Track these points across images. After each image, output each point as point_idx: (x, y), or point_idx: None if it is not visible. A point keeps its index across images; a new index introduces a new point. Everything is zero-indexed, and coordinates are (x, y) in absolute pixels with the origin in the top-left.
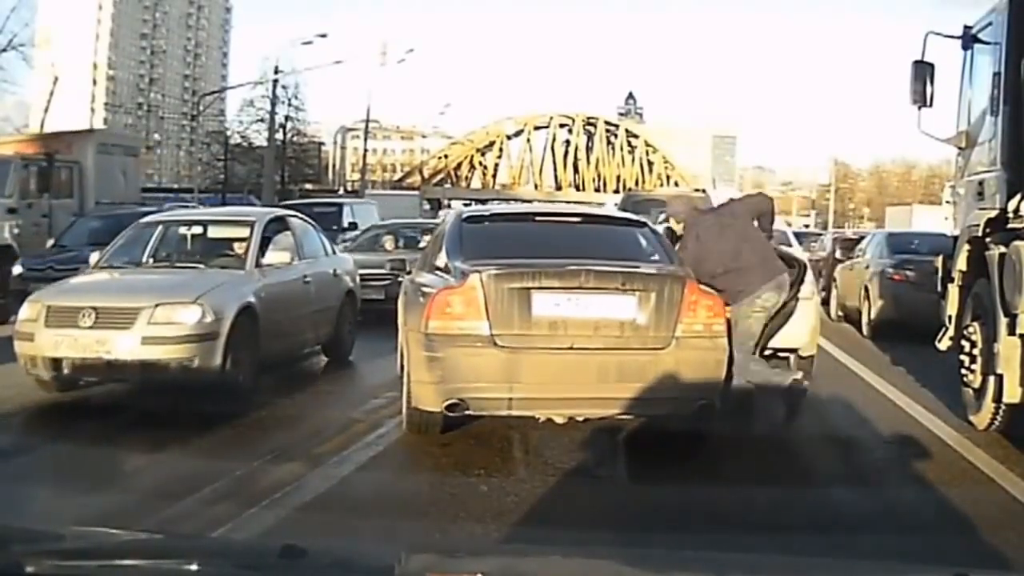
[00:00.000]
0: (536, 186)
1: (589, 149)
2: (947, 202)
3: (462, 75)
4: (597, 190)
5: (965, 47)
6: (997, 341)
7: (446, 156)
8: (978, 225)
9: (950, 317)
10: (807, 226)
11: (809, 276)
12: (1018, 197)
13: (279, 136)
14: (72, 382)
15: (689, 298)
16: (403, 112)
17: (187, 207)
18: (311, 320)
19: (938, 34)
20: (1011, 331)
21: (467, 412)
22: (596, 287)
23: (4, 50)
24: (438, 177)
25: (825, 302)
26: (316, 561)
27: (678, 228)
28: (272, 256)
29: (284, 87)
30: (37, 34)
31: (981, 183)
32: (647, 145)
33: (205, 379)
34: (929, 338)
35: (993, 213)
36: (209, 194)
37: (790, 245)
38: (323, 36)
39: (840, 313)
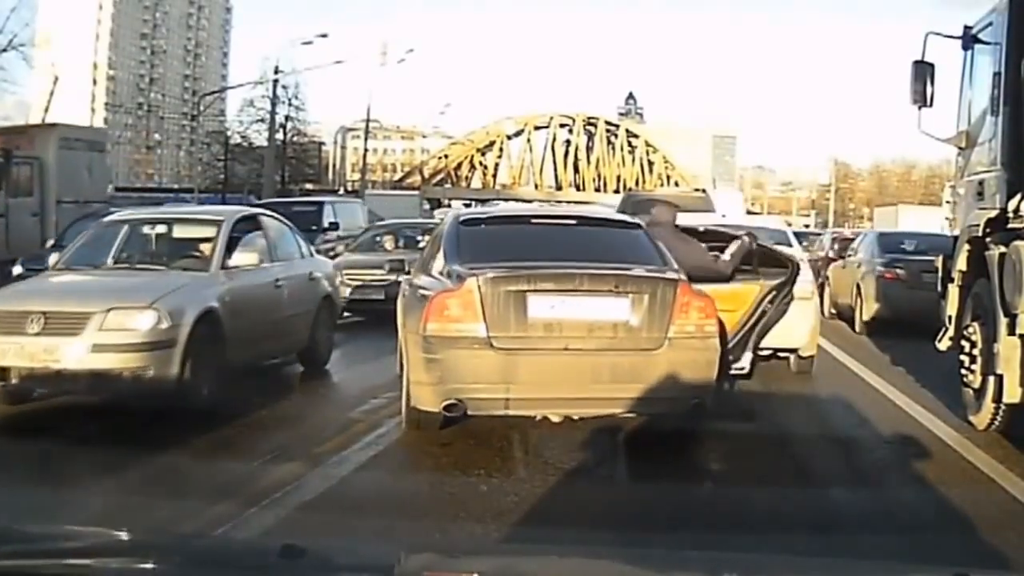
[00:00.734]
0: (536, 186)
1: (589, 149)
2: (947, 202)
3: (462, 75)
4: (597, 190)
5: (965, 47)
6: (997, 341)
7: (446, 156)
8: (978, 225)
9: (950, 317)
10: (807, 226)
11: (809, 276)
12: (1018, 197)
13: (279, 136)
14: (24, 393)
15: (681, 300)
16: (403, 112)
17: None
18: (283, 326)
19: (938, 34)
20: (1011, 331)
21: (465, 413)
22: (590, 289)
23: (4, 50)
24: (438, 177)
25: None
26: (316, 561)
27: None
28: (240, 257)
29: (284, 87)
30: (37, 34)
31: (981, 183)
32: (647, 145)
33: (161, 390)
34: (920, 334)
35: (993, 213)
36: (209, 194)
37: (790, 245)
38: (323, 36)
39: (833, 311)
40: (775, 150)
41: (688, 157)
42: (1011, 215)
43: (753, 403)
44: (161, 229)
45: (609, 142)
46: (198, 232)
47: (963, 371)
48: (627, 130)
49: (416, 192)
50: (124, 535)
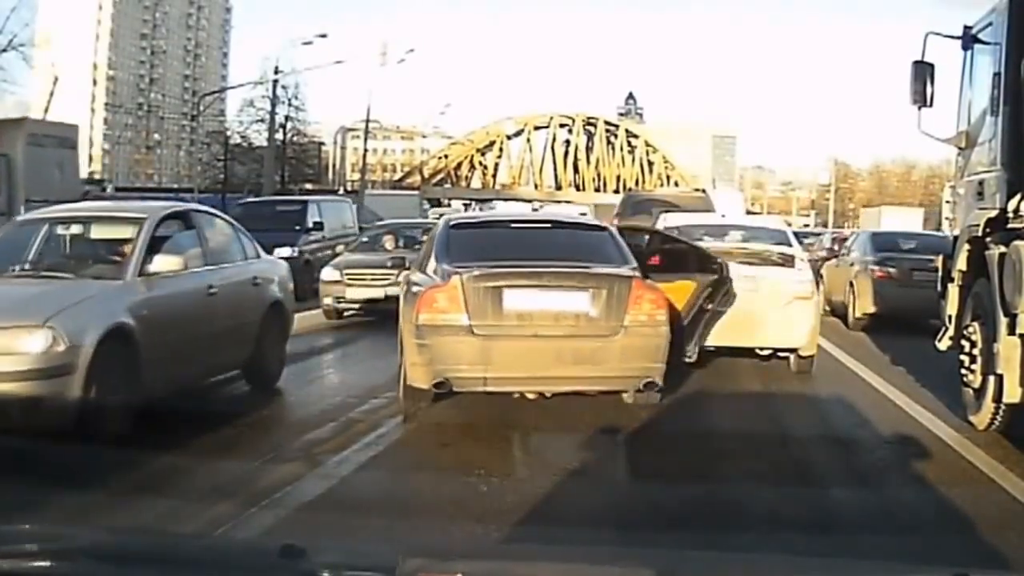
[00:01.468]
0: (536, 186)
1: (589, 149)
2: (947, 202)
3: (462, 75)
4: (597, 190)
5: (965, 47)
6: (997, 341)
7: (446, 156)
8: (978, 225)
9: (950, 317)
10: (807, 226)
11: (809, 276)
12: (1018, 197)
13: (279, 136)
14: None
15: (635, 293)
16: (403, 112)
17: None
18: (218, 340)
19: (938, 34)
20: (1011, 331)
21: (451, 389)
22: (556, 285)
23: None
24: (438, 177)
25: None
26: (316, 561)
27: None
28: (162, 262)
29: (284, 87)
30: (37, 34)
31: (981, 183)
32: (647, 145)
33: (57, 423)
34: (918, 333)
35: (993, 213)
36: (209, 194)
37: (790, 245)
38: (323, 36)
39: (827, 307)
40: (775, 150)
41: (688, 157)
42: (1011, 215)
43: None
44: (76, 229)
45: (609, 142)
46: (116, 232)
47: (963, 371)
48: (627, 130)
49: (416, 192)
50: (124, 535)
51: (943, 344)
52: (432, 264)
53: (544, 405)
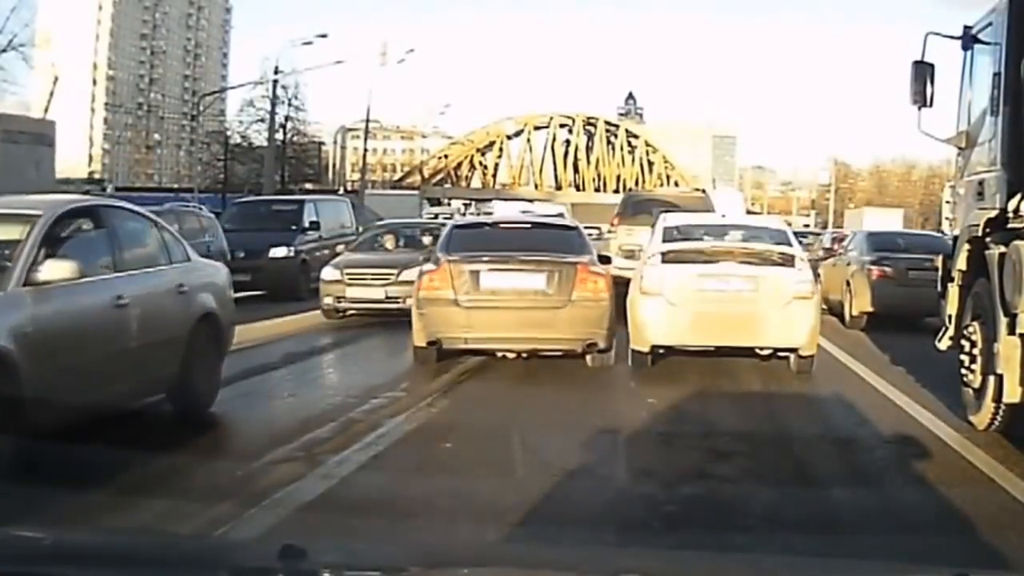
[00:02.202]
0: (536, 186)
1: (589, 149)
2: (947, 202)
3: (462, 75)
4: (597, 190)
5: (965, 47)
6: (997, 341)
7: (446, 156)
8: (978, 225)
9: (950, 317)
10: (807, 226)
11: (809, 275)
12: (1018, 197)
13: (279, 136)
14: None
15: (580, 276)
16: (403, 112)
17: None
18: (131, 362)
19: (938, 34)
20: (1011, 331)
21: (440, 346)
22: (519, 269)
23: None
24: (438, 177)
25: None
26: (316, 561)
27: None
28: (54, 269)
29: (284, 87)
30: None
31: (981, 183)
32: (647, 145)
33: None
34: (916, 332)
35: (993, 213)
36: (209, 194)
37: (790, 244)
38: (323, 36)
39: (824, 306)
40: (775, 150)
41: (688, 157)
42: (1011, 215)
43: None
44: None
45: (609, 142)
46: (6, 233)
47: (963, 371)
48: (627, 130)
49: (416, 192)
50: (124, 536)
51: (943, 344)
52: (435, 253)
53: (544, 405)
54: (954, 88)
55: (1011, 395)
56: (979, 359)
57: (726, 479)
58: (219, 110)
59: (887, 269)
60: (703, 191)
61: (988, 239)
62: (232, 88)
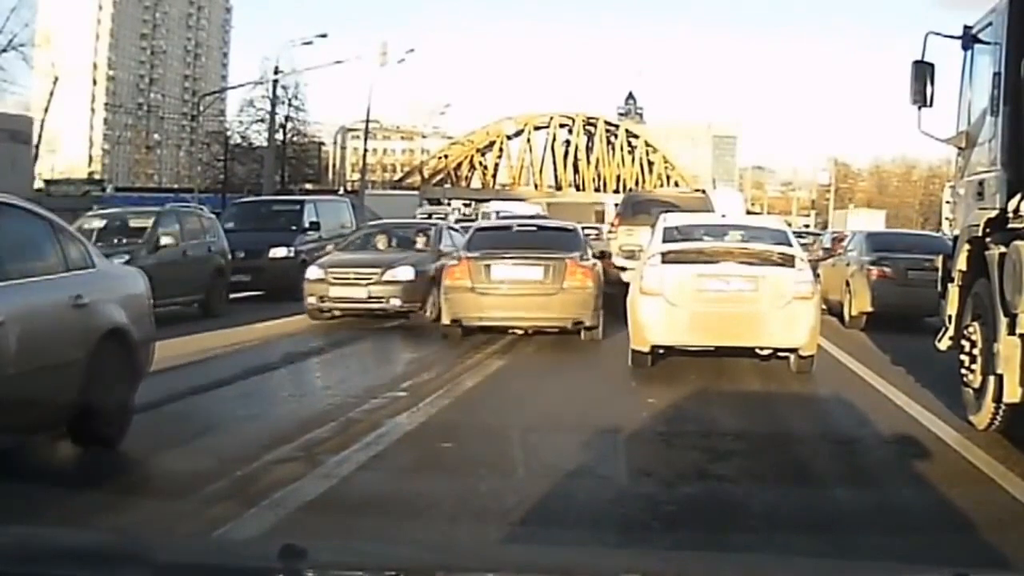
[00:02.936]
0: (536, 186)
1: (589, 149)
2: (947, 202)
3: (462, 75)
4: (597, 190)
5: (965, 47)
6: (997, 341)
7: (446, 156)
8: (978, 225)
9: (950, 317)
10: (807, 226)
11: (809, 276)
12: (1018, 197)
13: (279, 136)
14: None
15: (569, 269)
16: (403, 112)
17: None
18: (12, 390)
19: (938, 34)
20: (1011, 331)
21: (461, 325)
22: (522, 263)
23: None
24: (438, 177)
25: None
26: (316, 561)
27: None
28: None
29: (284, 87)
30: (37, 34)
31: (981, 183)
32: (647, 145)
33: None
34: (916, 332)
35: (993, 213)
36: (209, 194)
37: (790, 245)
38: (323, 36)
39: (823, 306)
40: (775, 150)
41: (688, 157)
42: (1011, 215)
43: None
44: None
45: (609, 142)
46: None
47: (963, 371)
48: (627, 130)
49: (416, 192)
50: (124, 536)
51: (943, 344)
52: (459, 250)
53: (544, 405)
54: (954, 88)
55: (1011, 395)
56: (979, 359)
57: (726, 479)
58: (219, 110)
59: (887, 269)
60: (703, 191)
61: (988, 239)
62: (232, 88)
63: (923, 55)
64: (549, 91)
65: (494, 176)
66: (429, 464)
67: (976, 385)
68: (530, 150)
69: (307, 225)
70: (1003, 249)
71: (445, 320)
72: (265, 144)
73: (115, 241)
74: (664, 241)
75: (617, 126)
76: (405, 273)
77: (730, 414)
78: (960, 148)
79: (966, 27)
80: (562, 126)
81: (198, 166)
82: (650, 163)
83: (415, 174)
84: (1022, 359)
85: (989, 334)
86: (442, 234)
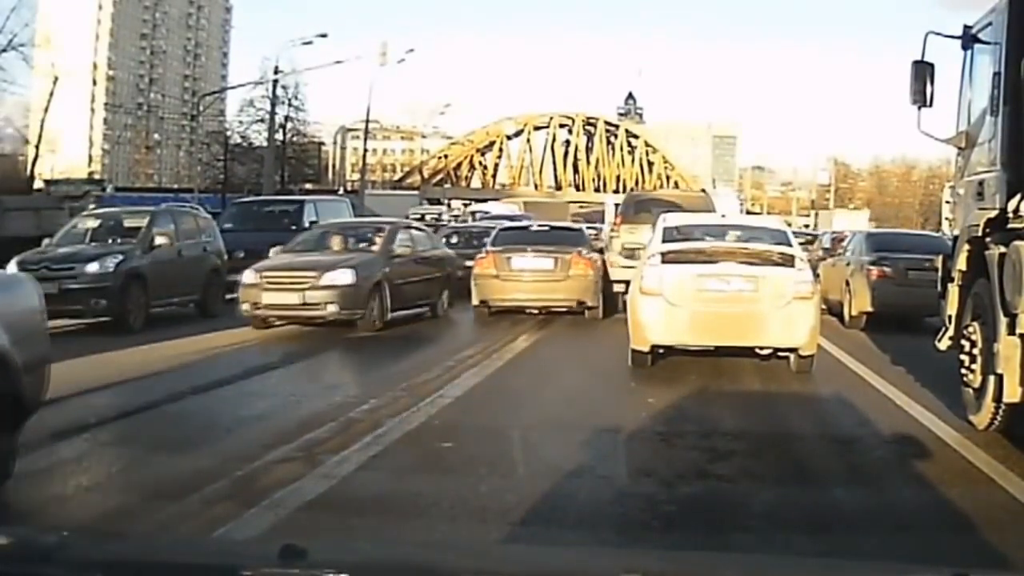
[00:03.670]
0: (536, 186)
1: (589, 149)
2: (947, 202)
3: (462, 75)
4: (597, 190)
5: (965, 47)
6: (997, 341)
7: (446, 156)
8: (978, 225)
9: (950, 317)
10: (807, 226)
11: (809, 276)
12: (1018, 197)
13: (279, 136)
14: None
15: (573, 260)
16: (403, 112)
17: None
18: None
19: (938, 34)
20: (1011, 331)
21: (489, 307)
22: (535, 255)
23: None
24: (438, 177)
25: None
26: (316, 561)
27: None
28: None
29: (284, 87)
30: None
31: (981, 183)
32: (647, 145)
33: None
34: (916, 332)
35: (993, 213)
36: (209, 194)
37: (789, 245)
38: (323, 36)
39: (823, 306)
40: (775, 150)
41: (688, 157)
42: (1011, 215)
43: None
44: None
45: (609, 142)
46: None
47: (963, 371)
48: (627, 130)
49: (416, 192)
50: (123, 536)
51: (943, 344)
52: (487, 246)
53: (544, 404)
54: (954, 88)
55: (1011, 395)
56: (979, 359)
57: (726, 479)
58: (219, 110)
59: (886, 269)
60: (704, 191)
61: (988, 239)
62: (232, 88)
63: (923, 55)
64: (549, 91)
65: (494, 176)
66: (429, 464)
67: (976, 385)
68: (530, 150)
69: (307, 225)
70: (1003, 249)
71: (475, 301)
72: (265, 144)
73: (109, 241)
74: (664, 241)
75: (617, 126)
76: (343, 277)
77: (730, 414)
78: (960, 148)
79: (966, 27)
80: (562, 126)
81: (198, 166)
82: (650, 163)
83: (415, 174)
84: (1022, 359)
85: (989, 334)
86: (396, 234)
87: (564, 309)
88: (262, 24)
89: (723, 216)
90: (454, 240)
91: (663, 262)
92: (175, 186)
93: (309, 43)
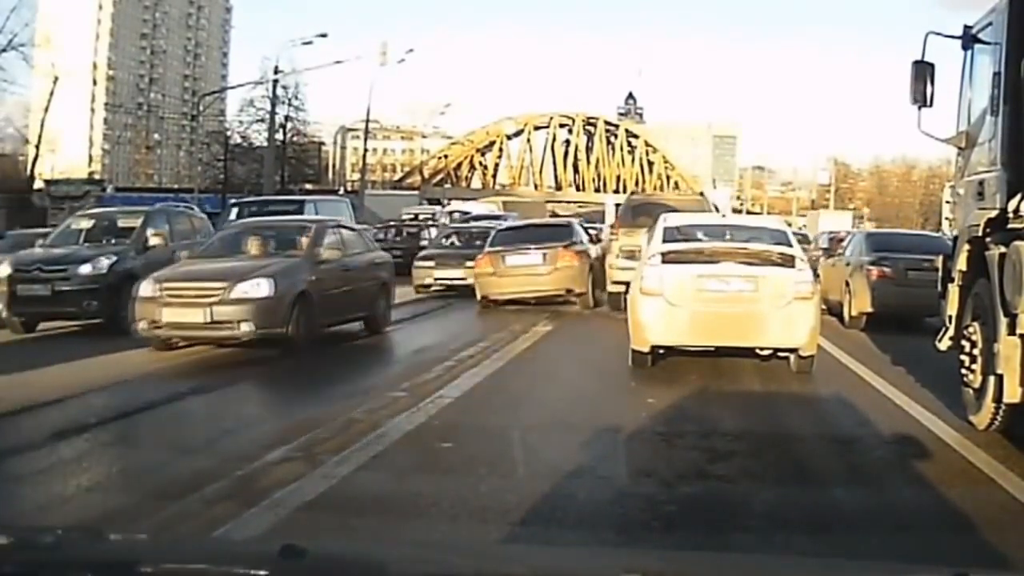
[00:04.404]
0: (536, 186)
1: (589, 149)
2: (947, 202)
3: (462, 75)
4: (597, 190)
5: (965, 47)
6: (997, 341)
7: (446, 156)
8: (978, 225)
9: (950, 317)
10: (805, 226)
11: (809, 276)
12: (1018, 197)
13: (279, 136)
14: None
15: (560, 254)
16: (403, 112)
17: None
18: None
19: (938, 34)
20: (1011, 331)
21: (488, 300)
22: (525, 251)
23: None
24: (438, 177)
25: None
26: (316, 561)
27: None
28: None
29: (284, 87)
30: (37, 34)
31: (981, 183)
32: (647, 145)
33: None
34: (916, 332)
35: (993, 213)
36: (209, 194)
37: (789, 245)
38: (323, 36)
39: (823, 306)
40: (775, 150)
41: (688, 157)
42: (1011, 215)
43: None
44: None
45: (609, 142)
46: None
47: (963, 371)
48: (627, 130)
49: (416, 192)
50: (124, 535)
51: (943, 344)
52: (485, 247)
53: (544, 404)
54: (954, 88)
55: (1011, 395)
56: (979, 359)
57: (726, 479)
58: (219, 110)
59: (886, 269)
60: (702, 194)
61: (988, 239)
62: (232, 88)
63: (923, 55)
64: (549, 91)
65: (494, 176)
66: (429, 464)
67: (976, 385)
68: (530, 150)
69: None
70: (1003, 249)
71: (478, 296)
72: (265, 144)
73: (103, 241)
74: (664, 241)
75: (617, 126)
76: (258, 288)
77: (730, 414)
78: (960, 148)
79: (966, 27)
80: (562, 126)
81: (198, 166)
82: (650, 163)
83: (415, 174)
84: (1022, 359)
85: (989, 334)
86: (324, 235)
87: (558, 297)
88: (262, 24)
89: (723, 216)
90: (454, 241)
91: (663, 262)
92: (175, 186)
93: (309, 43)
